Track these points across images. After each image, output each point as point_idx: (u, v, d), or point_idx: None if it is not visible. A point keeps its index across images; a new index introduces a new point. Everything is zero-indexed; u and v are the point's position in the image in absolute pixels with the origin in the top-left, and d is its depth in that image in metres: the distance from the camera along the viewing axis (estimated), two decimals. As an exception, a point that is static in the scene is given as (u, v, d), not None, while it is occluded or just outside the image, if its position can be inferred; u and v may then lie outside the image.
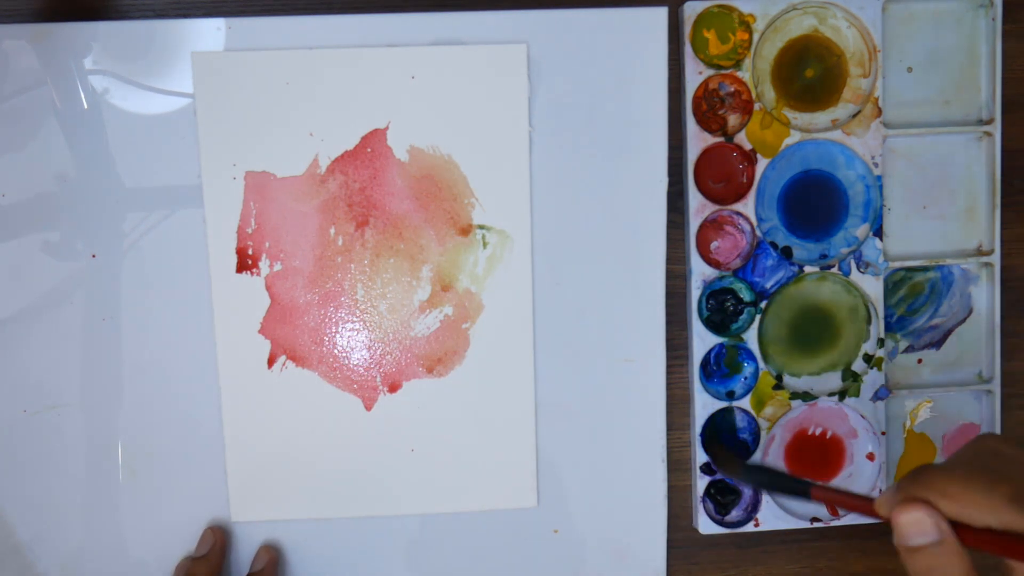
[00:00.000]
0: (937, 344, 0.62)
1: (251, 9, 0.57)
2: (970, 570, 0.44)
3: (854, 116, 0.59)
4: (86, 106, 0.56)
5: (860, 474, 0.62)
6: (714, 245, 0.60)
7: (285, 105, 0.56)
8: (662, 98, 0.58)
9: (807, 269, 0.60)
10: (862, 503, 0.48)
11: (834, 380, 0.62)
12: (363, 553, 0.61)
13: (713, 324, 0.60)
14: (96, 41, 0.55)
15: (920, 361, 0.63)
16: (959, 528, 0.44)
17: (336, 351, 0.58)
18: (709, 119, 0.59)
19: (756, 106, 0.59)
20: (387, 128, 0.57)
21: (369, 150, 0.57)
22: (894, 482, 0.48)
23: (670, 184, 0.59)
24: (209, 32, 0.56)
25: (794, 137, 0.59)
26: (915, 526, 0.44)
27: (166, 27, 0.56)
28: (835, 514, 0.62)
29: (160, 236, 0.57)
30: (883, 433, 0.62)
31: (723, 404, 0.61)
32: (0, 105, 0.56)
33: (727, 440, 0.62)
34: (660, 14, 0.57)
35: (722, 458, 0.60)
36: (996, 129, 0.60)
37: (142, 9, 0.57)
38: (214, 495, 0.59)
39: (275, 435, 0.59)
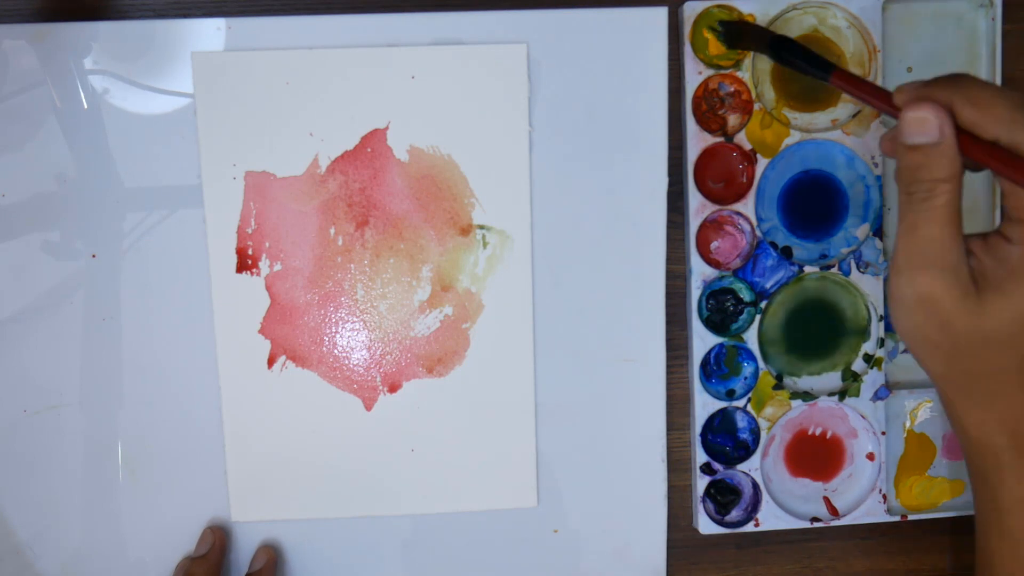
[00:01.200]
0: (937, 344, 0.62)
1: (251, 9, 0.57)
2: (956, 175, 0.45)
3: (854, 116, 0.59)
4: (86, 106, 0.56)
5: (860, 474, 0.62)
6: (714, 245, 0.60)
7: (285, 105, 0.56)
8: (662, 98, 0.58)
9: (807, 269, 0.60)
10: (880, 94, 0.48)
11: (834, 380, 0.62)
12: (363, 553, 0.61)
13: (713, 324, 0.60)
14: (96, 41, 0.55)
15: (920, 361, 0.63)
16: (964, 137, 0.45)
17: (336, 351, 0.58)
18: (709, 119, 0.59)
19: (756, 106, 0.59)
20: (387, 128, 0.57)
21: (369, 150, 0.57)
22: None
23: (670, 184, 0.59)
24: (209, 32, 0.56)
25: (794, 137, 0.59)
26: (919, 124, 0.45)
27: (166, 27, 0.56)
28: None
29: (160, 236, 0.57)
30: (883, 433, 0.61)
31: (723, 404, 0.61)
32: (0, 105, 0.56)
33: (726, 441, 0.62)
34: (660, 14, 0.57)
35: (745, 31, 0.57)
36: (996, 129, 0.60)
37: (142, 9, 0.57)
38: (214, 495, 0.59)
39: (275, 435, 0.59)
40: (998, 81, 0.59)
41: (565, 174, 0.58)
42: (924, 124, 0.45)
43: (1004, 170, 0.44)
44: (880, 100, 0.48)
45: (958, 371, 0.48)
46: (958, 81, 0.45)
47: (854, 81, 0.49)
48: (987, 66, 0.60)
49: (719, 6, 0.57)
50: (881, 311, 0.61)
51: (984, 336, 0.46)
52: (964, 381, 0.48)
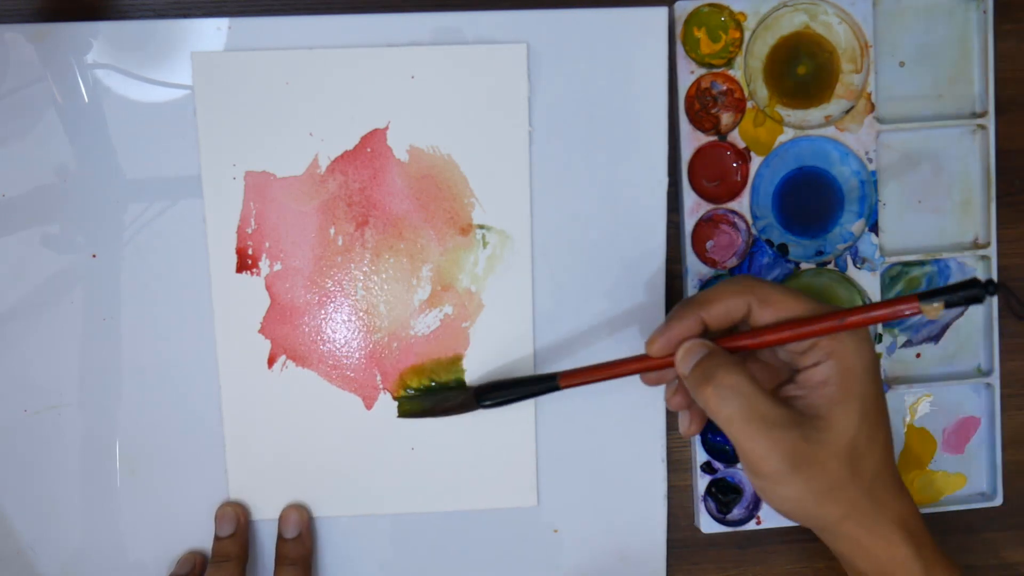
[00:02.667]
0: (935, 338, 0.63)
1: (251, 9, 0.58)
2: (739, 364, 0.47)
3: (847, 112, 0.60)
4: (87, 100, 0.56)
5: (860, 469, 0.62)
6: (710, 244, 0.61)
7: (285, 105, 0.57)
8: (662, 98, 0.59)
9: (803, 266, 0.60)
10: (633, 362, 0.51)
11: (832, 376, 0.62)
12: (363, 552, 0.60)
13: (711, 323, 0.61)
14: (96, 40, 0.55)
15: (919, 355, 0.63)
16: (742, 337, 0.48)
17: (336, 351, 0.58)
18: (702, 118, 0.59)
19: (749, 104, 0.59)
20: (387, 128, 0.57)
21: (369, 150, 0.57)
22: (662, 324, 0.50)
23: (666, 184, 0.60)
24: (209, 32, 0.56)
25: (787, 134, 0.60)
26: (687, 354, 0.48)
27: (166, 27, 0.56)
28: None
29: (160, 234, 0.57)
30: (882, 428, 0.62)
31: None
32: (0, 99, 0.56)
33: (726, 440, 0.62)
34: (660, 14, 0.58)
35: (440, 398, 0.59)
36: (990, 122, 0.61)
37: (142, 9, 0.57)
38: (214, 495, 0.59)
39: (275, 434, 0.58)
40: (991, 74, 0.60)
41: (565, 174, 0.59)
42: (690, 351, 0.48)
43: (793, 336, 0.47)
44: (638, 365, 0.51)
45: (847, 507, 0.48)
46: (692, 300, 0.49)
47: (584, 372, 0.53)
48: (979, 59, 0.61)
49: (710, 5, 0.58)
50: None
51: (840, 461, 0.47)
52: (855, 510, 0.48)
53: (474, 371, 0.59)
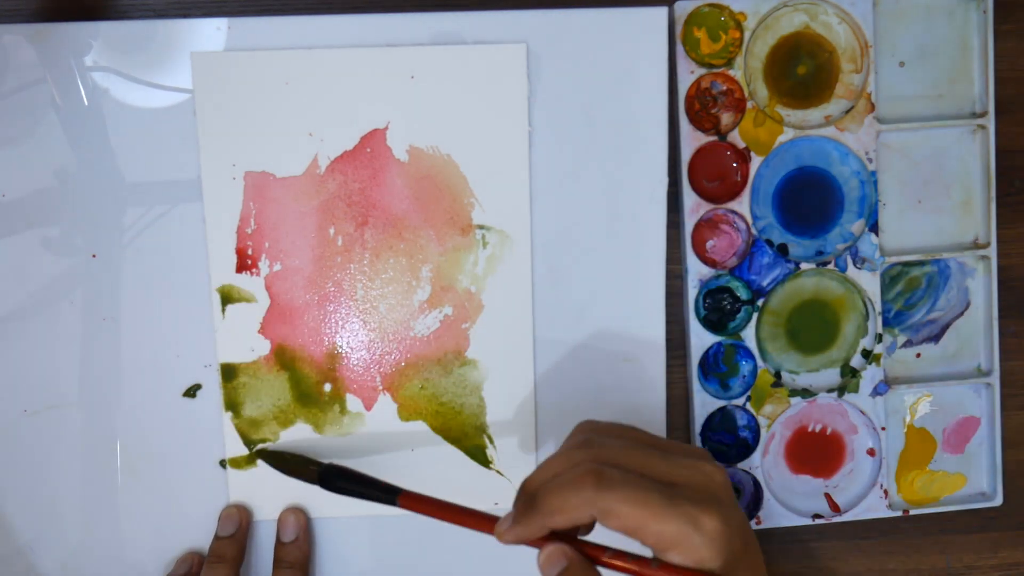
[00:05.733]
0: (935, 338, 0.63)
1: (251, 9, 0.58)
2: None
3: (847, 112, 0.60)
4: (86, 102, 0.56)
5: (861, 470, 0.63)
6: (710, 244, 0.61)
7: (285, 105, 0.57)
8: (662, 98, 0.59)
9: (803, 266, 0.60)
10: (477, 520, 0.49)
11: (833, 376, 0.62)
12: (362, 552, 0.60)
13: (711, 323, 0.61)
14: (96, 40, 0.55)
15: (919, 355, 0.63)
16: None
17: (336, 351, 0.58)
18: (702, 118, 0.59)
19: (749, 104, 0.59)
20: (387, 128, 0.57)
21: (369, 150, 0.57)
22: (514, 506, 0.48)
23: (666, 184, 0.60)
24: (209, 32, 0.56)
25: (787, 134, 0.60)
26: (549, 562, 0.46)
27: (166, 27, 0.56)
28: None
29: (160, 235, 0.57)
30: (883, 428, 0.62)
31: (722, 403, 0.61)
32: (0, 101, 0.56)
33: (726, 439, 0.62)
34: (660, 14, 0.58)
35: (289, 460, 0.58)
36: (990, 122, 0.61)
37: (142, 9, 0.57)
38: (214, 495, 0.59)
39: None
40: (991, 73, 0.60)
41: (565, 174, 0.59)
42: (553, 558, 0.46)
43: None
44: (463, 519, 0.50)
45: None
46: (539, 502, 0.46)
47: (424, 501, 0.51)
48: (979, 59, 0.61)
49: (710, 4, 0.58)
50: (879, 306, 0.61)
51: None
52: None
53: (475, 370, 0.59)
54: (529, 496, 0.47)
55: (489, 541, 0.59)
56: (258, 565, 0.60)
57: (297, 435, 0.59)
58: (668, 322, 0.61)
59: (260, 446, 0.58)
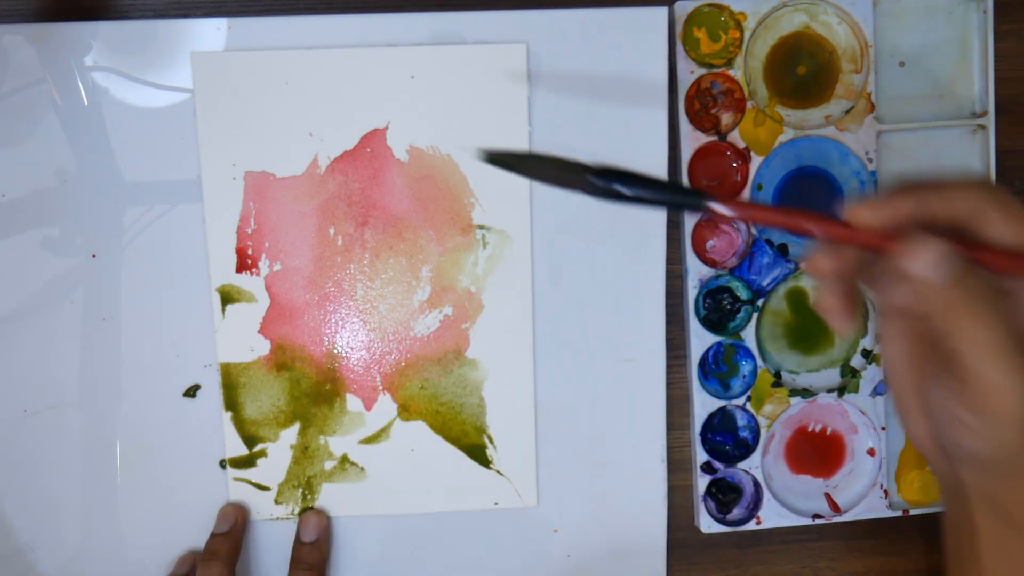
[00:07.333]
0: (934, 337, 0.63)
1: (251, 9, 0.58)
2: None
3: (847, 112, 0.60)
4: (86, 102, 0.56)
5: (861, 470, 0.62)
6: (710, 244, 0.61)
7: (285, 105, 0.57)
8: (662, 98, 0.59)
9: (803, 266, 0.60)
10: (818, 222, 0.41)
11: (833, 376, 0.62)
12: (362, 552, 0.60)
13: (711, 323, 0.61)
14: (96, 40, 0.55)
15: (918, 355, 0.63)
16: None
17: (336, 351, 0.58)
18: (702, 118, 0.59)
19: (749, 104, 0.59)
20: (387, 128, 0.57)
21: (369, 150, 0.57)
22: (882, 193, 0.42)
23: (665, 183, 0.60)
24: (209, 32, 0.56)
25: (787, 135, 0.60)
26: (933, 254, 0.39)
27: (166, 27, 0.56)
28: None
29: (160, 235, 0.57)
30: (883, 428, 0.62)
31: (722, 403, 0.61)
32: (0, 101, 0.56)
33: (726, 439, 0.62)
34: (660, 14, 0.58)
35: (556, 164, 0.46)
36: (990, 122, 0.61)
37: (142, 9, 0.57)
38: (214, 495, 0.59)
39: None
40: (991, 74, 0.60)
41: (564, 173, 0.59)
42: (942, 252, 0.39)
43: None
44: (798, 222, 0.41)
45: None
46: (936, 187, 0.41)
47: (751, 207, 0.44)
48: (979, 59, 0.61)
49: (710, 4, 0.58)
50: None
51: None
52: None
53: (475, 370, 0.59)
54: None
55: (495, 540, 0.59)
56: (273, 564, 0.60)
57: (297, 435, 0.59)
58: (668, 322, 0.61)
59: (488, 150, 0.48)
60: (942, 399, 0.42)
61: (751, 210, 0.43)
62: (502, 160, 0.48)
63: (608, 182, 0.43)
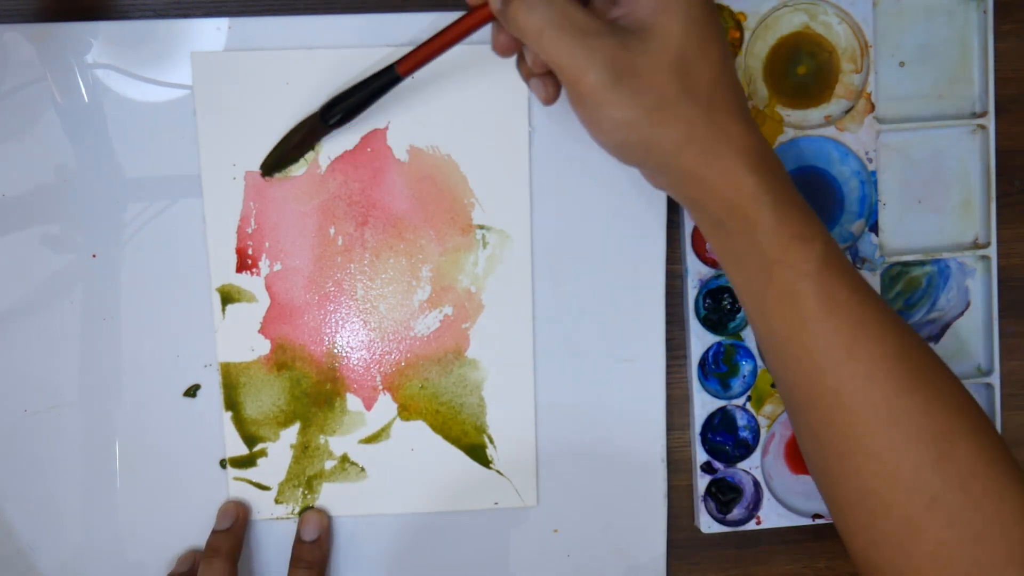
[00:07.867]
0: (935, 338, 0.63)
1: (251, 9, 0.58)
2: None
3: (847, 112, 0.60)
4: (86, 99, 0.56)
5: (860, 469, 0.62)
6: (710, 244, 0.60)
7: (285, 105, 0.56)
8: (661, 97, 0.59)
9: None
10: (457, 23, 0.48)
11: (832, 376, 0.62)
12: (363, 552, 0.60)
13: (710, 323, 0.61)
14: (96, 40, 0.55)
15: (918, 355, 0.63)
16: None
17: (336, 351, 0.58)
18: (703, 119, 0.59)
19: (749, 104, 0.59)
20: (387, 128, 0.57)
21: (369, 150, 0.57)
22: None
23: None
24: (209, 32, 0.56)
25: (787, 134, 0.60)
26: None
27: (166, 27, 0.56)
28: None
29: (160, 234, 0.57)
30: (882, 428, 0.62)
31: (722, 403, 0.61)
32: (0, 99, 0.56)
33: (726, 439, 0.62)
34: (658, 13, 0.58)
35: (285, 141, 0.57)
36: (990, 122, 0.61)
37: (142, 9, 0.57)
38: (214, 495, 0.59)
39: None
40: (991, 73, 0.60)
41: (565, 174, 0.59)
42: None
43: None
44: (450, 34, 0.49)
45: (685, 129, 0.45)
46: None
47: (424, 47, 0.50)
48: (979, 59, 0.61)
49: (711, 5, 0.58)
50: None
51: (669, 73, 0.44)
52: (693, 133, 0.45)
53: (475, 370, 0.59)
54: None
55: (495, 540, 0.59)
56: (273, 564, 0.60)
57: (297, 435, 0.59)
58: (668, 322, 0.61)
59: (263, 164, 0.57)
60: (584, 122, 0.47)
61: (423, 52, 0.50)
62: (275, 163, 0.57)
63: (330, 109, 0.53)
